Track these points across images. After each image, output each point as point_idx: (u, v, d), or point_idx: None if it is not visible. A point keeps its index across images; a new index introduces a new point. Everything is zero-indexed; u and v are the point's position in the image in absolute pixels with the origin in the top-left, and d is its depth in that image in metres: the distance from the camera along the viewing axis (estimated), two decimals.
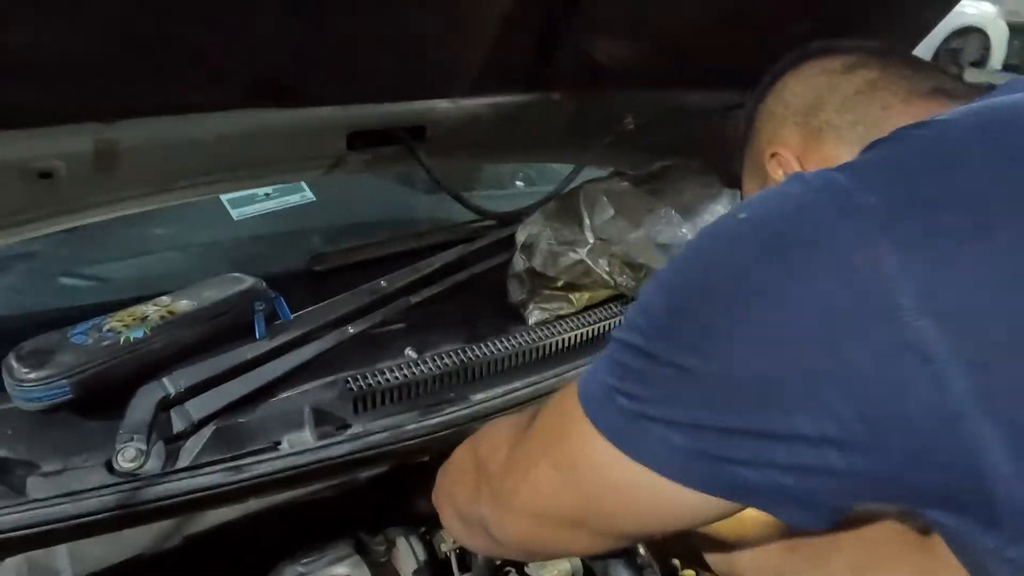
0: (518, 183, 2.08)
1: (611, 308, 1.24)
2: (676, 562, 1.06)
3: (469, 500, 0.78)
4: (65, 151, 0.79)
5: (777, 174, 0.81)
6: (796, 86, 0.83)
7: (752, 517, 0.87)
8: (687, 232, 1.12)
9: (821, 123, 0.78)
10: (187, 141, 0.86)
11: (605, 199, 1.08)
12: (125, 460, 0.87)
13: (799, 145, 0.79)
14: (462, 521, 0.82)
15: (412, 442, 0.98)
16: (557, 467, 0.63)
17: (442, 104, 0.99)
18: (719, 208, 1.13)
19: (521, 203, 1.35)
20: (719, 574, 0.97)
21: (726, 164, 1.21)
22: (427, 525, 1.10)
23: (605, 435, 0.58)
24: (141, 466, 0.87)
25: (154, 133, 0.82)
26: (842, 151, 0.74)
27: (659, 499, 0.57)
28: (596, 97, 1.11)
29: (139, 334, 0.93)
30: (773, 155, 0.81)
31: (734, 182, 1.19)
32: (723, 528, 0.91)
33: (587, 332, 1.19)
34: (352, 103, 0.92)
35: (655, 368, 0.56)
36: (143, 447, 0.88)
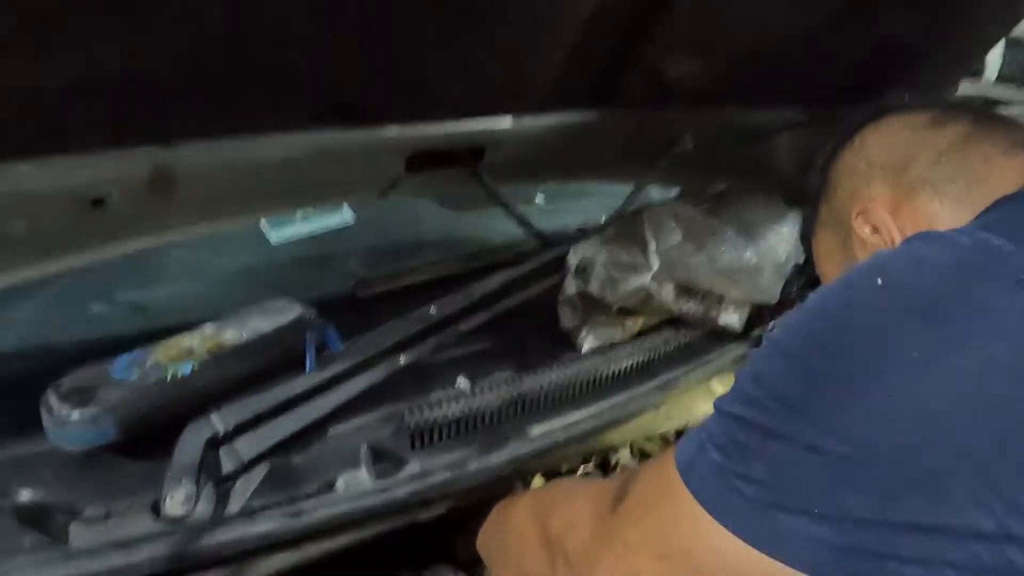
0: (538, 199, 2.04)
1: (665, 334, 1.19)
2: None
3: (542, 574, 0.73)
4: (119, 176, 0.73)
5: (864, 231, 0.77)
6: (880, 141, 0.80)
7: None
8: (751, 255, 1.07)
9: (913, 179, 0.75)
10: (248, 165, 0.80)
11: (673, 223, 1.03)
12: (174, 504, 0.81)
13: (889, 201, 0.76)
14: None
15: (476, 482, 0.92)
16: (666, 557, 0.57)
17: (505, 122, 0.94)
18: (783, 230, 1.09)
19: (545, 221, 1.29)
20: None
21: (788, 184, 1.17)
22: (471, 567, 1.04)
23: (728, 527, 0.52)
24: (191, 510, 0.81)
25: (214, 156, 0.77)
26: (941, 206, 0.72)
27: None
28: (658, 115, 1.06)
29: (187, 370, 0.87)
30: (860, 212, 0.78)
31: (795, 201, 1.14)
32: None
33: (644, 359, 1.14)
34: (415, 121, 0.87)
35: (785, 450, 0.50)
36: (193, 490, 0.82)
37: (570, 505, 0.72)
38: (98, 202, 0.74)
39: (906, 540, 0.46)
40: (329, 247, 1.27)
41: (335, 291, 1.14)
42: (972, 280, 0.48)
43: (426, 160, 0.93)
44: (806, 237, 0.93)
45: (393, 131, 0.87)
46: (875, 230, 0.76)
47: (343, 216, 1.22)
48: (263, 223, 1.16)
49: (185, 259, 1.18)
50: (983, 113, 0.78)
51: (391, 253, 1.31)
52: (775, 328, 0.70)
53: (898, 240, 0.72)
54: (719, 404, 0.56)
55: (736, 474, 0.51)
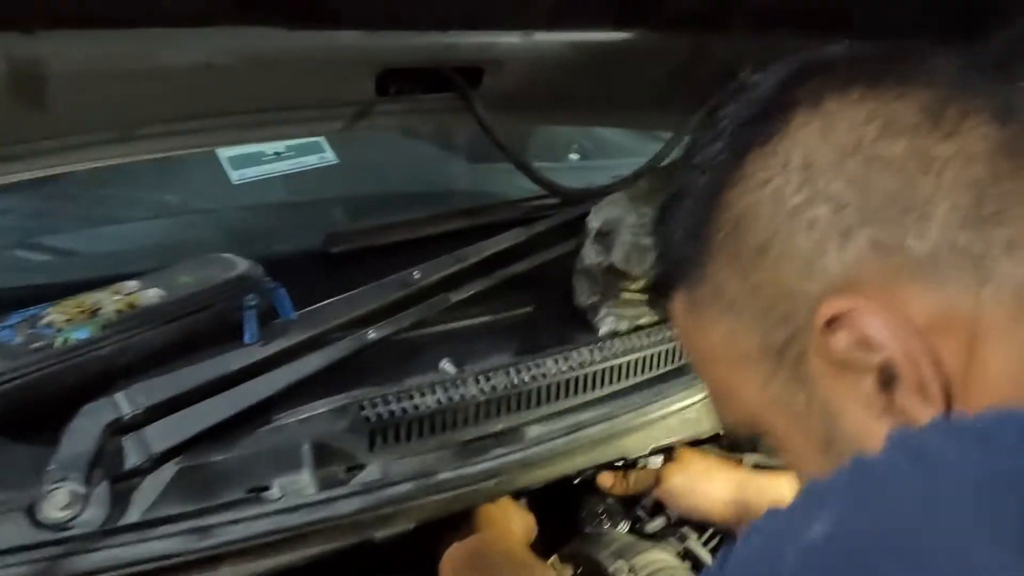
0: (572, 156, 1.83)
1: None
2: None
3: None
4: None
5: (839, 346, 0.39)
6: (842, 159, 0.41)
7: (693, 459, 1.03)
8: None
9: (936, 246, 0.39)
10: (156, 68, 0.61)
11: None
12: (54, 507, 0.65)
13: (888, 289, 0.39)
14: None
15: (447, 494, 0.73)
16: None
17: (510, 38, 0.73)
18: None
19: (578, 179, 1.07)
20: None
21: None
22: None
23: None
24: (75, 516, 0.65)
25: (101, 52, 0.57)
26: (992, 303, 0.38)
27: None
28: (707, 41, 0.84)
29: (83, 334, 0.69)
30: (836, 318, 0.39)
31: None
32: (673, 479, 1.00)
33: (676, 350, 0.93)
34: (386, 28, 0.66)
35: None
36: (80, 489, 0.65)
37: None
38: None
39: None
40: (303, 192, 1.07)
41: (302, 246, 0.94)
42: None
43: (404, 81, 0.72)
44: (661, 298, 0.51)
45: (355, 38, 0.66)
46: (864, 344, 0.39)
47: (323, 155, 1.02)
48: (224, 159, 0.97)
49: (122, 199, 0.99)
50: (999, 90, 0.42)
51: (377, 203, 1.11)
52: None
53: (929, 378, 0.38)
54: None
55: None
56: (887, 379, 0.39)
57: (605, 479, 1.00)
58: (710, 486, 1.01)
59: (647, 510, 1.04)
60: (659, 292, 0.51)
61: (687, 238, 0.46)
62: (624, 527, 1.02)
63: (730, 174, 0.44)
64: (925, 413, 0.38)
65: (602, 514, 1.03)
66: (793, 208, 0.41)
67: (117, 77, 0.60)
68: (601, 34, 0.78)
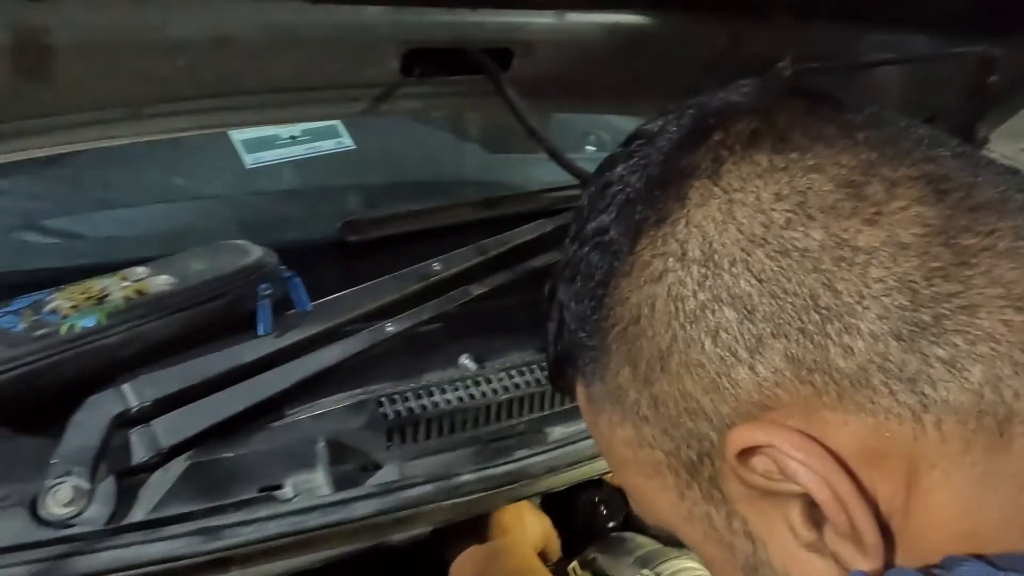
0: (588, 147, 1.80)
1: None
2: None
3: None
4: None
5: (759, 479, 0.33)
6: (748, 249, 0.33)
7: None
8: None
9: (865, 364, 0.31)
10: (167, 41, 0.57)
11: None
12: (56, 503, 0.62)
13: (808, 414, 0.33)
14: None
15: (467, 498, 0.70)
16: None
17: (541, 18, 0.69)
18: None
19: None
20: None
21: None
22: None
23: None
24: (79, 513, 0.62)
25: (109, 23, 0.54)
26: (935, 441, 0.31)
27: None
28: (748, 27, 0.80)
29: (89, 322, 0.65)
30: (750, 450, 0.33)
31: None
32: None
33: None
34: (413, 3, 0.62)
35: None
36: (84, 484, 0.62)
37: None
38: None
39: None
40: (319, 178, 1.04)
41: (318, 234, 0.91)
42: None
43: (431, 61, 0.68)
44: (559, 381, 0.44)
45: (380, 14, 0.63)
46: (785, 474, 0.33)
47: (340, 140, 0.98)
48: (237, 142, 0.94)
49: (130, 182, 0.96)
50: (936, 143, 0.35)
51: (394, 191, 1.08)
52: None
53: (862, 524, 0.32)
54: None
55: None
56: (811, 511, 0.33)
57: None
58: None
59: None
60: (556, 374, 0.43)
61: (580, 324, 0.39)
62: (619, 517, 0.97)
63: (622, 259, 0.36)
64: (860, 563, 0.32)
65: (599, 504, 0.99)
66: (693, 310, 0.34)
67: (126, 49, 0.57)
68: (637, 16, 0.74)
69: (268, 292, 0.72)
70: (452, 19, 0.66)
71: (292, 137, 0.97)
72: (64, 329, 0.64)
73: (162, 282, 0.71)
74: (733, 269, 0.33)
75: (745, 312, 0.33)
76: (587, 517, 0.97)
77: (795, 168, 0.33)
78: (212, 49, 0.59)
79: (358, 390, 0.75)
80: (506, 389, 0.78)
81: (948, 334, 0.31)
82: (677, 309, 0.34)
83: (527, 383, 0.79)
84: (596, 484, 0.98)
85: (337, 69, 0.68)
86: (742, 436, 0.33)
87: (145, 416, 0.67)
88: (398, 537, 0.70)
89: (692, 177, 0.35)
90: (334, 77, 0.69)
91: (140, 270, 0.74)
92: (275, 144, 0.96)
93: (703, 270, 0.34)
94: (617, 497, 1.00)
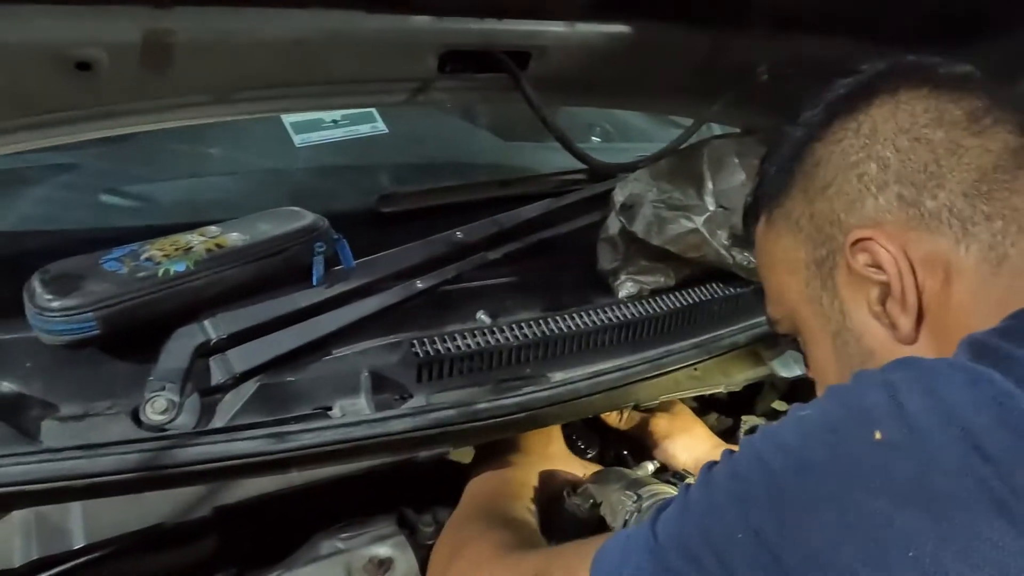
0: (594, 138, 1.91)
1: (712, 288, 1.08)
2: (626, 452, 1.16)
3: None
4: (108, 39, 0.65)
5: (858, 263, 0.56)
6: (898, 136, 0.56)
7: (682, 414, 1.15)
8: None
9: (941, 207, 0.54)
10: (256, 41, 0.71)
11: (736, 161, 0.91)
12: (154, 411, 0.76)
13: (901, 231, 0.55)
14: None
15: (483, 423, 0.84)
16: None
17: (555, 27, 0.82)
18: None
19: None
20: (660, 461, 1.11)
21: None
22: None
23: None
24: (171, 420, 0.75)
25: (217, 26, 0.68)
26: (966, 256, 0.53)
27: None
28: (732, 37, 0.93)
29: (181, 267, 0.80)
30: (860, 241, 0.56)
31: None
32: (659, 424, 1.12)
33: (685, 313, 1.03)
34: (451, 14, 0.76)
35: None
36: (175, 398, 0.76)
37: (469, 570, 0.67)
38: (84, 66, 0.65)
39: None
40: (357, 157, 1.18)
41: (358, 205, 1.05)
42: (993, 473, 0.39)
43: (462, 61, 0.82)
44: (750, 219, 0.70)
45: (425, 22, 0.77)
46: (875, 265, 0.56)
47: (375, 125, 1.12)
48: (288, 124, 1.08)
49: (200, 155, 1.10)
50: None
51: (422, 170, 1.22)
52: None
53: (910, 291, 0.54)
54: (658, 536, 0.49)
55: None
56: (885, 294, 0.55)
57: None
58: (689, 439, 1.11)
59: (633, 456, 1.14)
60: (748, 216, 0.70)
61: (778, 173, 0.65)
62: (595, 449, 1.12)
63: (820, 130, 0.61)
64: (902, 320, 0.54)
65: (576, 439, 1.12)
66: (854, 162, 0.58)
67: (225, 47, 0.71)
68: (635, 27, 0.88)
69: (322, 249, 0.87)
70: (481, 26, 0.80)
71: (334, 121, 1.11)
72: (161, 272, 0.79)
73: (235, 238, 0.85)
74: (884, 142, 0.56)
75: (882, 167, 0.56)
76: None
77: (943, 99, 0.57)
78: (289, 48, 0.74)
79: (392, 335, 0.89)
80: (516, 338, 0.92)
81: (993, 201, 0.53)
82: (844, 160, 0.58)
83: (534, 334, 0.93)
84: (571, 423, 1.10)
85: (385, 65, 0.82)
86: (859, 233, 0.56)
87: (221, 347, 0.80)
88: (425, 453, 0.85)
89: (878, 93, 0.58)
90: (382, 72, 0.83)
91: (214, 229, 0.88)
92: (320, 127, 1.10)
93: (866, 140, 0.57)
94: (589, 432, 1.14)
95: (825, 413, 0.46)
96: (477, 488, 0.92)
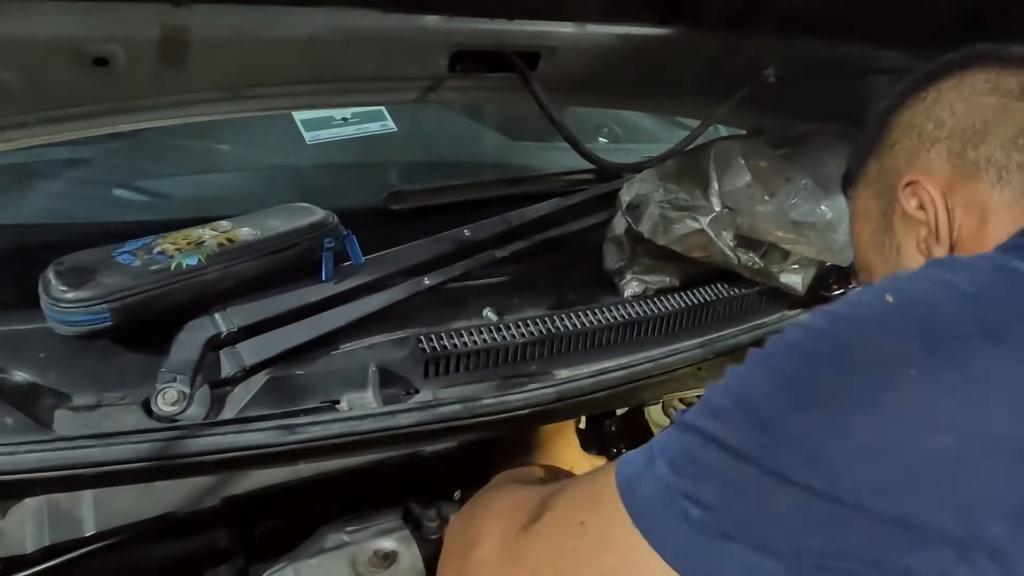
0: (601, 139, 1.92)
1: (716, 288, 1.08)
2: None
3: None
4: (125, 35, 0.66)
5: (910, 205, 0.67)
6: (956, 101, 0.67)
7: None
8: (826, 210, 0.95)
9: (981, 157, 0.63)
10: (272, 39, 0.72)
11: (742, 162, 0.92)
12: (165, 403, 0.77)
13: (946, 178, 0.65)
14: None
15: (488, 419, 0.85)
16: None
17: (565, 28, 0.84)
18: None
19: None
20: None
21: None
22: None
23: (665, 555, 0.46)
24: (182, 411, 0.77)
25: (233, 24, 0.69)
26: (1000, 198, 0.62)
27: None
28: (740, 39, 0.94)
29: (193, 261, 0.81)
30: (910, 184, 0.66)
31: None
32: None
33: (689, 313, 1.04)
34: (462, 14, 0.77)
35: (749, 474, 0.45)
36: (186, 390, 0.77)
37: (483, 518, 0.66)
38: (101, 61, 0.66)
39: None
40: (366, 154, 1.19)
41: (367, 202, 1.06)
42: (989, 313, 0.46)
43: (472, 60, 0.83)
44: (846, 187, 0.82)
45: (436, 22, 0.78)
46: (921, 207, 0.66)
47: (385, 123, 1.14)
48: (299, 121, 1.09)
49: (212, 151, 1.12)
50: None
51: (430, 168, 1.23)
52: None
53: (943, 226, 0.64)
54: (681, 417, 0.51)
55: (685, 494, 0.46)
56: (929, 232, 0.64)
57: None
58: None
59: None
60: (846, 180, 0.79)
61: (864, 141, 0.75)
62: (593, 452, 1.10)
63: (898, 102, 0.71)
64: (937, 250, 0.64)
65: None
66: (916, 123, 0.68)
67: (241, 45, 0.72)
68: (644, 29, 0.89)
69: (331, 245, 0.88)
70: (492, 27, 0.81)
71: (344, 119, 1.12)
72: (173, 266, 0.80)
73: (246, 233, 0.86)
74: (943, 106, 0.66)
75: (938, 125, 0.66)
76: None
77: (1004, 75, 0.65)
78: (304, 45, 0.75)
79: (400, 331, 0.90)
80: (522, 336, 0.93)
81: None
82: (909, 121, 0.69)
83: (539, 332, 0.94)
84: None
85: (397, 64, 0.83)
86: (910, 177, 0.66)
87: (232, 340, 0.82)
88: (430, 448, 0.86)
89: (951, 70, 0.68)
90: (394, 70, 0.84)
91: (225, 224, 0.90)
92: (330, 124, 1.11)
93: (931, 104, 0.67)
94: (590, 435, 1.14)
95: (845, 298, 0.53)
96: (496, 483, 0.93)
